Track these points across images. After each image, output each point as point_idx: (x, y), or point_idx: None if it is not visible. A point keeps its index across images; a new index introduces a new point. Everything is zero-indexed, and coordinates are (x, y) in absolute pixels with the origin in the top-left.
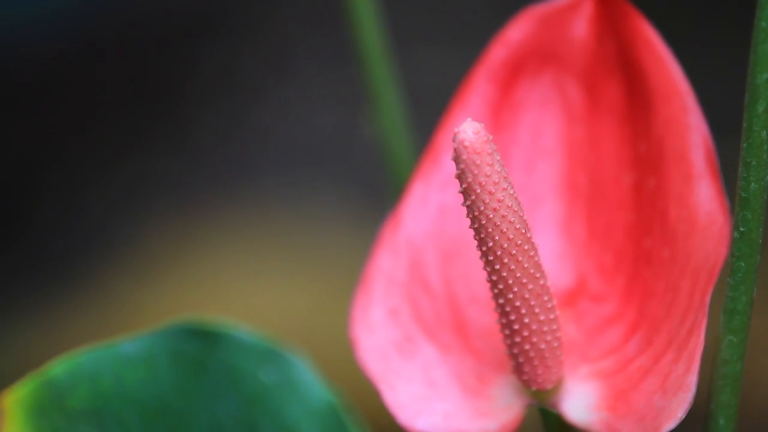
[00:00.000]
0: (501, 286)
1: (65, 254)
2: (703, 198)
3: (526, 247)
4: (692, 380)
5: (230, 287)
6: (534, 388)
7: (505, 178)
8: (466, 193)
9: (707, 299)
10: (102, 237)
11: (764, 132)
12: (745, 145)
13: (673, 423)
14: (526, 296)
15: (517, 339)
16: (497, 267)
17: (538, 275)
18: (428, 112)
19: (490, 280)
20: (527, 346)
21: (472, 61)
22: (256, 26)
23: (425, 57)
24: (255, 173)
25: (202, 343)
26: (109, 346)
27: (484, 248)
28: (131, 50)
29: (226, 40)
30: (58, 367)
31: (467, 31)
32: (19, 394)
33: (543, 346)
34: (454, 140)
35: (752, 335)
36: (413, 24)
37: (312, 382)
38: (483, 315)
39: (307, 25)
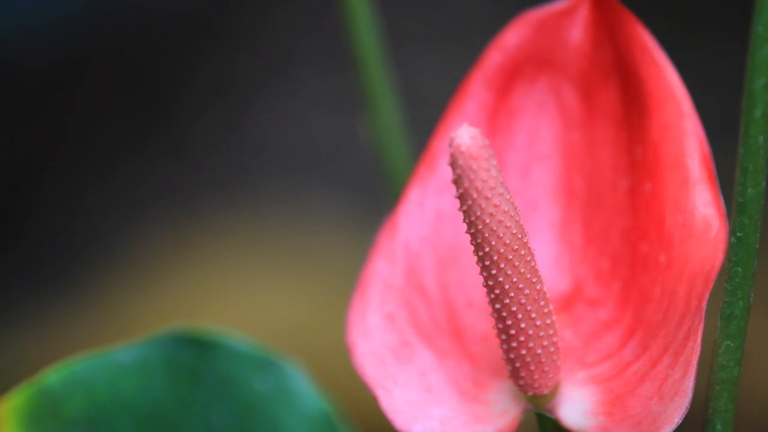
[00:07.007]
0: (497, 291)
1: (61, 259)
2: (699, 203)
3: (522, 252)
4: (689, 385)
5: (227, 292)
6: (531, 393)
7: (502, 182)
8: (462, 198)
9: (704, 304)
10: (98, 242)
11: (761, 137)
12: (741, 150)
13: (669, 428)
14: (523, 301)
15: (514, 344)
16: (494, 272)
17: (534, 280)
18: (425, 117)
19: (486, 285)
20: (524, 351)
21: (468, 65)
22: (254, 31)
23: (421, 61)
24: (252, 178)
25: (196, 351)
26: (104, 355)
27: (480, 253)
28: (128, 55)
29: (224, 45)
30: (52, 375)
31: (463, 35)
32: (13, 402)
33: (539, 351)
34: (450, 145)
35: (749, 340)
36: (409, 29)
37: (306, 391)
38: (479, 320)
39: (303, 29)
